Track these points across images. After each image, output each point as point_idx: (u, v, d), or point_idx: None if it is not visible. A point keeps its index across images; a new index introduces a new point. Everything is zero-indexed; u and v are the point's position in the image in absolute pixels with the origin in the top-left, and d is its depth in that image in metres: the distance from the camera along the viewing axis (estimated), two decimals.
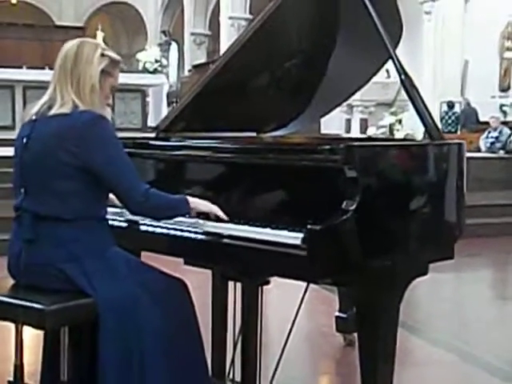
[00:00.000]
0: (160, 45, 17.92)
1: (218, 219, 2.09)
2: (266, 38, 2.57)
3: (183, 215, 2.12)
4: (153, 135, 2.75)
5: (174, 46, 20.26)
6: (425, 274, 2.06)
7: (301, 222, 1.84)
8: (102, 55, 2.08)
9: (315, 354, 3.44)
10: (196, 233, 2.10)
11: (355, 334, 3.27)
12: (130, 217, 2.25)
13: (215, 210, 2.12)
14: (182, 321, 2.09)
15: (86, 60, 2.05)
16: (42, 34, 16.60)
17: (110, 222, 2.17)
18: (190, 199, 2.11)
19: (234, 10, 16.29)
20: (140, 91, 9.85)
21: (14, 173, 2.09)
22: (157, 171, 2.52)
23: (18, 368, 2.07)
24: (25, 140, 2.04)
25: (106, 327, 1.93)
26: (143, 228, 2.25)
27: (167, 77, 13.29)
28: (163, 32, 20.79)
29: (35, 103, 2.09)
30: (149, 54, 10.35)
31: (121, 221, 2.31)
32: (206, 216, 2.12)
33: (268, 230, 1.93)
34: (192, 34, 20.13)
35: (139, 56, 10.48)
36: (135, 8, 23.32)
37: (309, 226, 1.79)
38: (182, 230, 2.13)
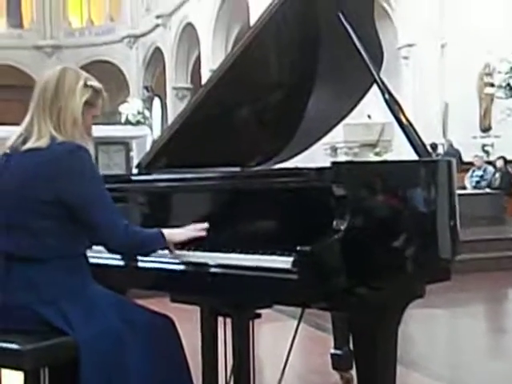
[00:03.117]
0: (143, 101, 18.08)
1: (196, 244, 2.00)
2: (245, 70, 2.53)
3: (161, 249, 2.00)
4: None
5: (156, 101, 20.43)
6: (421, 296, 1.98)
7: (289, 246, 1.76)
8: (85, 85, 1.95)
9: None
10: (182, 264, 2.01)
11: (352, 372, 3.19)
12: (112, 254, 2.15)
13: (190, 233, 2.00)
14: (170, 360, 1.97)
15: (68, 91, 1.91)
16: (25, 94, 16.75)
17: (93, 260, 2.07)
18: (165, 231, 1.99)
19: (215, 62, 16.48)
20: (123, 143, 9.77)
21: None
22: (141, 205, 2.44)
23: None
24: None
25: (87, 370, 1.79)
26: (126, 263, 2.15)
27: (150, 128, 13.35)
28: (145, 88, 20.98)
29: (11, 136, 1.96)
30: (131, 106, 10.38)
31: (102, 258, 2.21)
32: (181, 246, 2.01)
33: (256, 256, 1.86)
34: (174, 88, 20.36)
35: (121, 108, 10.49)
36: (117, 66, 23.59)
37: (298, 248, 1.72)
38: (167, 263, 2.05)
